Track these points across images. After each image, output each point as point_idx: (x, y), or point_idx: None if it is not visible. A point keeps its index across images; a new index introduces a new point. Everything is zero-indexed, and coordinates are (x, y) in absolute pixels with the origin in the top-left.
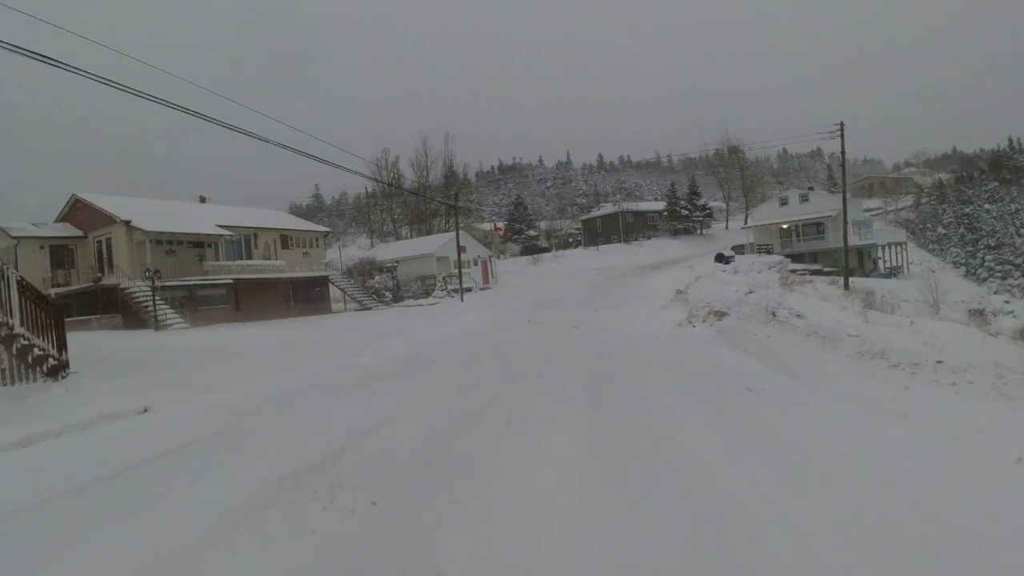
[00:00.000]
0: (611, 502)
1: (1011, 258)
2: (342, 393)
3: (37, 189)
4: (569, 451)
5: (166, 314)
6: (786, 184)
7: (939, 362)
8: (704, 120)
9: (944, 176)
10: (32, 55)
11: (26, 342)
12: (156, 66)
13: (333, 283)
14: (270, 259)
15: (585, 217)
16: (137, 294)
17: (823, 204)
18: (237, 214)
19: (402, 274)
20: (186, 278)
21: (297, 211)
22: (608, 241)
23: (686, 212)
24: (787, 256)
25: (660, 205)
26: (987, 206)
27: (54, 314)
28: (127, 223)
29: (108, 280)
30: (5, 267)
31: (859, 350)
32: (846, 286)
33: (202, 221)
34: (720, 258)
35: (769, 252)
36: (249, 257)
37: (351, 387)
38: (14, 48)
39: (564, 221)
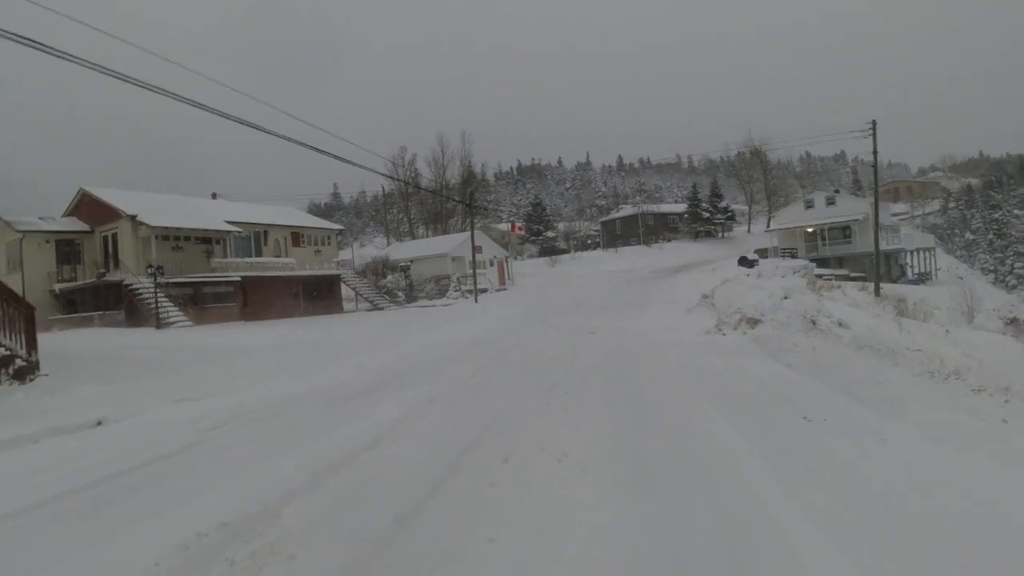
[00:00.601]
0: None
1: None
2: (320, 409)
3: (62, 186)
4: (590, 513)
5: (169, 312)
6: (809, 188)
7: None
8: (726, 123)
9: (972, 181)
10: (69, 58)
11: None
12: (184, 65)
13: (345, 282)
14: (280, 257)
15: (604, 219)
16: (141, 291)
17: (850, 207)
18: (247, 210)
19: (416, 274)
20: (192, 275)
21: (316, 210)
22: (627, 243)
23: (708, 214)
24: (812, 260)
25: (681, 207)
26: (1016, 211)
27: (24, 312)
28: (132, 217)
29: (113, 276)
30: None
31: (927, 368)
32: (877, 292)
33: (211, 217)
34: (744, 262)
35: (794, 256)
36: (259, 254)
37: (334, 400)
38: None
39: (583, 222)
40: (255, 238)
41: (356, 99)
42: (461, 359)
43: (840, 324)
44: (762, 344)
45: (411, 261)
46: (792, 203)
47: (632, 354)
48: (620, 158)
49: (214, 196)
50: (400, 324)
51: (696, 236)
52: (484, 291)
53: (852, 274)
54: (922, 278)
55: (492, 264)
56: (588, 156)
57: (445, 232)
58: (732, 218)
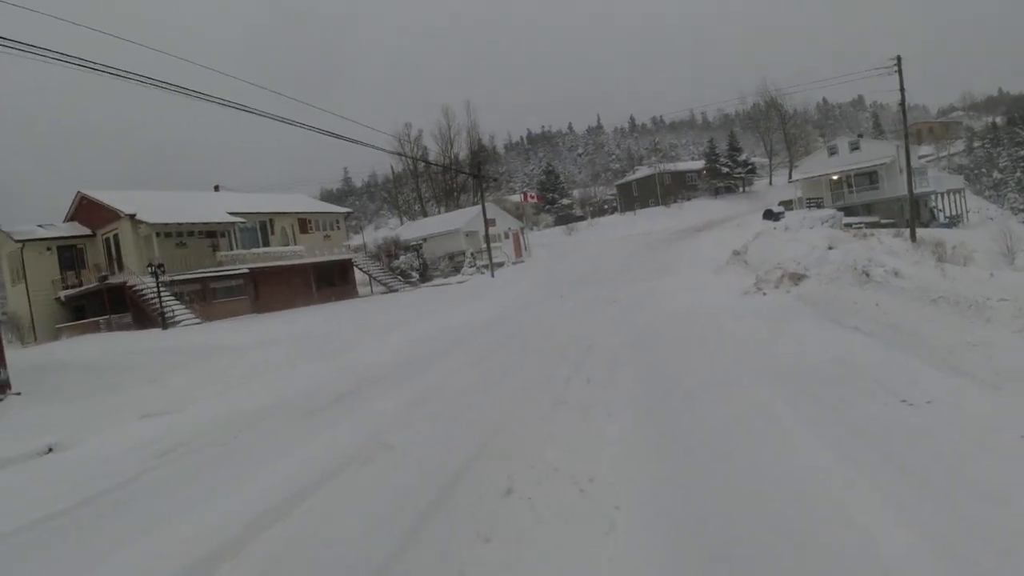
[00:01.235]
0: None
1: None
2: (299, 419)
3: (66, 192)
4: None
5: (174, 310)
6: (828, 136)
7: None
8: (740, 72)
9: (997, 119)
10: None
11: None
12: (194, 61)
13: (357, 266)
14: (288, 245)
15: (620, 182)
16: (144, 291)
17: (875, 152)
18: (251, 200)
19: (430, 252)
20: (198, 270)
21: (328, 196)
22: (645, 205)
23: (727, 170)
24: (839, 209)
25: (699, 164)
26: None
27: None
28: (131, 216)
29: (116, 278)
30: None
31: None
32: (912, 238)
33: (213, 210)
34: (769, 215)
35: (820, 206)
36: (266, 244)
37: (315, 408)
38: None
39: (598, 188)
40: (261, 228)
41: (363, 81)
42: (467, 343)
43: (896, 274)
44: (811, 303)
45: (423, 240)
46: (814, 152)
47: (661, 328)
48: (632, 119)
49: (216, 188)
50: (410, 307)
51: (716, 193)
52: (501, 265)
53: (883, 221)
54: (953, 221)
55: (507, 236)
56: (599, 119)
57: (458, 208)
58: (753, 171)
